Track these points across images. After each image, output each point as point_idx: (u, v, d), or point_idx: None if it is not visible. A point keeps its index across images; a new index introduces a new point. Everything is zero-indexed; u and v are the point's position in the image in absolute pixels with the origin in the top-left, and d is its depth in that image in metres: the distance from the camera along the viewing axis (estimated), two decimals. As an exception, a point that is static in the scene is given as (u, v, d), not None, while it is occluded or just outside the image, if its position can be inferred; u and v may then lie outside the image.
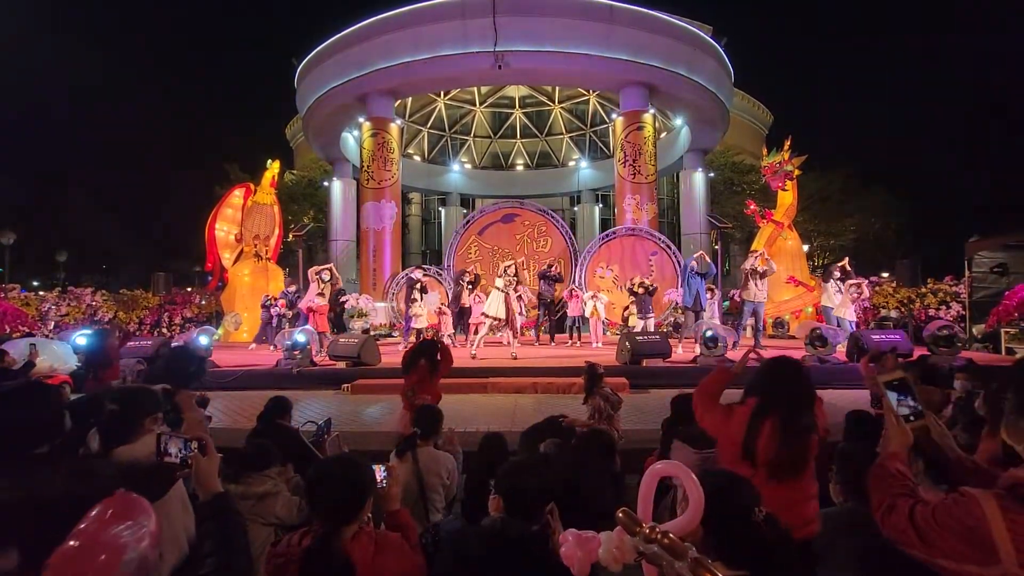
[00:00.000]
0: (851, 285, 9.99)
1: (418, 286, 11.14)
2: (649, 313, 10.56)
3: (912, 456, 1.90)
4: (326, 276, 10.46)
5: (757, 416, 2.01)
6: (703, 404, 2.26)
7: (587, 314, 11.23)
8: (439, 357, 4.36)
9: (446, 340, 11.55)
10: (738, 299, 12.14)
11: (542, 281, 11.42)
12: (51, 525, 1.09)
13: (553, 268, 11.56)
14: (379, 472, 1.75)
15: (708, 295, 10.66)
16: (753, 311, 10.04)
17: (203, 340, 8.41)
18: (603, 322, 11.76)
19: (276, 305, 11.55)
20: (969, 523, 1.10)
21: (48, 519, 1.13)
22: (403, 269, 14.66)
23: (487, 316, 9.31)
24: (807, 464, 2.01)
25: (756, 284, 9.94)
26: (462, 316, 11.70)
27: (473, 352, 8.97)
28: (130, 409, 1.99)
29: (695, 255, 10.54)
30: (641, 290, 10.55)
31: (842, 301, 9.93)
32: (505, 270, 9.43)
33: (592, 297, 11.27)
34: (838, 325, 9.65)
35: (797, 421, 1.99)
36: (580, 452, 2.65)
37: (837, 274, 10.25)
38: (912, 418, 1.40)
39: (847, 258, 10.92)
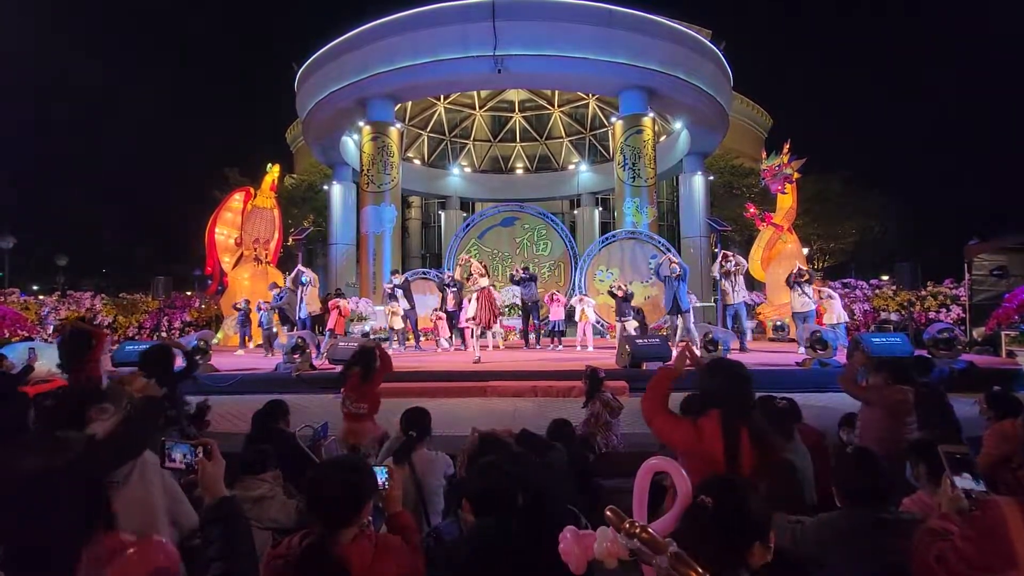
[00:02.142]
0: (816, 290, 9.98)
1: (389, 291, 11.31)
2: (627, 316, 10.57)
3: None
4: (304, 279, 10.64)
5: (730, 427, 1.91)
6: (660, 412, 2.13)
7: (576, 318, 11.23)
8: (377, 364, 4.18)
9: (443, 343, 11.67)
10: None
11: (519, 285, 11.29)
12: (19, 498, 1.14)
13: (517, 271, 11.43)
14: (379, 475, 1.75)
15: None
16: (734, 314, 9.96)
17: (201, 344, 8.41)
18: (599, 324, 11.74)
19: (261, 308, 11.70)
20: (990, 524, 1.13)
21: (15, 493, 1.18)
22: (403, 273, 14.65)
23: (470, 322, 9.39)
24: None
25: (731, 286, 9.85)
26: (452, 320, 11.75)
27: (477, 357, 8.98)
28: (72, 401, 2.04)
29: (659, 260, 10.32)
30: (620, 293, 10.58)
31: (828, 309, 9.96)
32: (461, 267, 9.48)
33: (579, 301, 11.27)
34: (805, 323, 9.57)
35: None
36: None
37: (796, 283, 10.08)
38: (972, 495, 1.44)
39: (797, 265, 10.59)
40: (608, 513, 0.97)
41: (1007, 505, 1.15)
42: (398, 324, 11.28)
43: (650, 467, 1.08)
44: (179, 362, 4.13)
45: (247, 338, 12.30)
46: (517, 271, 11.37)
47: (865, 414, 3.35)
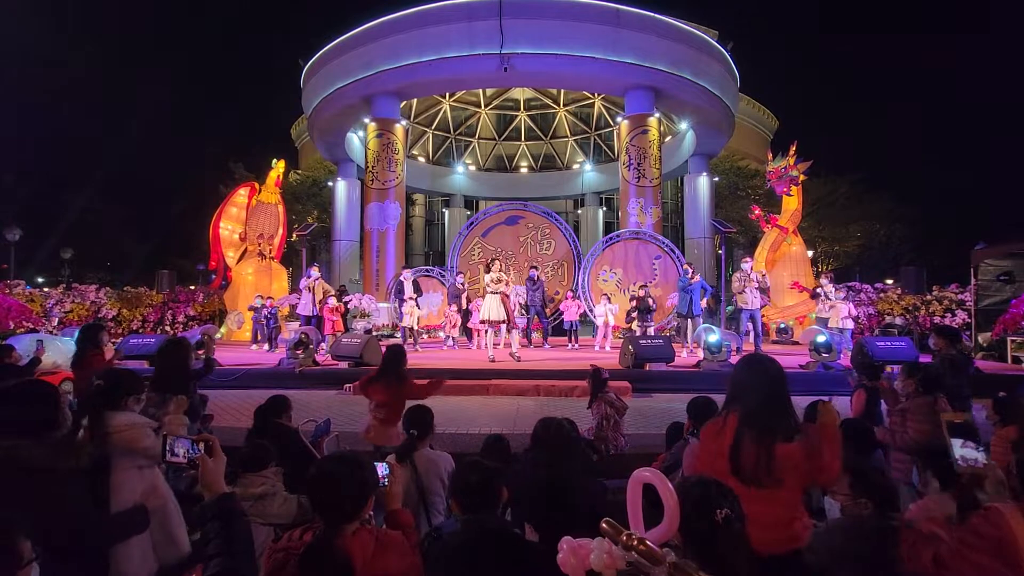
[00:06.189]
0: (832, 296, 10.18)
1: (406, 284, 11.26)
2: (649, 319, 10.65)
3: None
4: (314, 272, 10.86)
5: (741, 425, 1.87)
6: None
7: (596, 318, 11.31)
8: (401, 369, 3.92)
9: (448, 342, 11.65)
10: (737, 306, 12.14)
11: (529, 293, 11.34)
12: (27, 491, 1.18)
13: (536, 275, 11.49)
14: (381, 470, 1.75)
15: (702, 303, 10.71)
16: (751, 317, 10.05)
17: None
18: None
19: (266, 307, 11.66)
20: (995, 533, 1.13)
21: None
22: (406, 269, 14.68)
23: (487, 323, 9.12)
24: (783, 476, 1.79)
25: (751, 291, 9.94)
26: (465, 319, 11.72)
27: (491, 356, 8.89)
28: (115, 387, 2.25)
29: (693, 270, 10.54)
30: (642, 293, 10.65)
31: (833, 313, 10.04)
32: (489, 267, 9.30)
33: (602, 302, 11.35)
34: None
35: (768, 426, 1.84)
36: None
37: (819, 291, 10.53)
38: (972, 463, 1.39)
39: (823, 274, 11.10)
40: (604, 525, 0.96)
41: (1010, 513, 1.14)
42: (410, 322, 11.30)
43: (639, 479, 1.08)
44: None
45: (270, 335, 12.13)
46: (536, 274, 11.51)
47: None
